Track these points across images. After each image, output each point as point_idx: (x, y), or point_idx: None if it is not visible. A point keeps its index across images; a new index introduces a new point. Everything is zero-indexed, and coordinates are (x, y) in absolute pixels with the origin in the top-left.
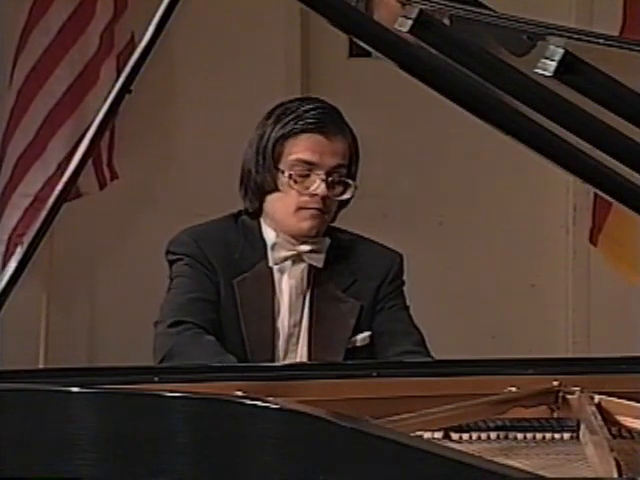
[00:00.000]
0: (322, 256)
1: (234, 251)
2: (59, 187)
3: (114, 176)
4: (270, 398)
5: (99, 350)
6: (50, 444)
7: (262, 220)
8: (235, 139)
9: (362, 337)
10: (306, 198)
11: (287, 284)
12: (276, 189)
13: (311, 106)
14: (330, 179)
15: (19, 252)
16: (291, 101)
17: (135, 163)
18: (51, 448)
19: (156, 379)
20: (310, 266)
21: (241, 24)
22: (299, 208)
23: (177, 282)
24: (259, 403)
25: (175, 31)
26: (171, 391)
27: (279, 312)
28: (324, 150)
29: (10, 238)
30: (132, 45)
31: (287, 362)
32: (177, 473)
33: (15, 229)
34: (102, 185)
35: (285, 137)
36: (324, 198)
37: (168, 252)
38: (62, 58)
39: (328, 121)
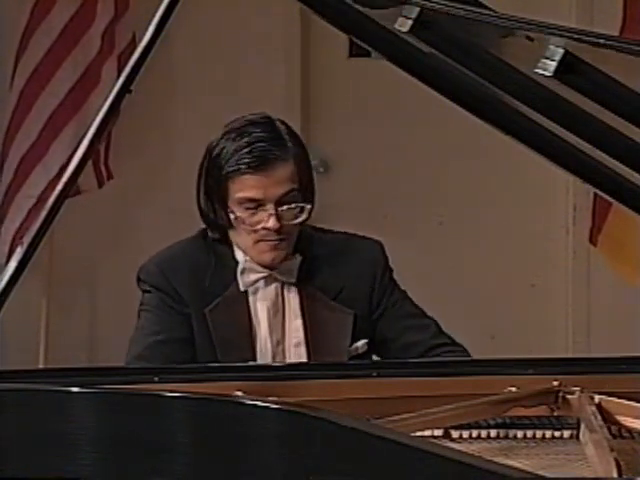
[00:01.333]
0: (294, 272)
1: (204, 277)
2: (59, 187)
3: (109, 176)
4: (270, 398)
5: (99, 350)
6: (50, 444)
7: (232, 241)
8: None
9: (359, 345)
10: (261, 232)
11: (263, 305)
12: (231, 225)
13: (245, 140)
14: (281, 209)
15: (19, 252)
16: (227, 132)
17: (135, 163)
18: (51, 448)
19: (156, 379)
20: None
21: (241, 24)
22: (257, 241)
23: (143, 319)
24: (259, 403)
25: (175, 31)
26: (171, 391)
27: (257, 334)
28: (267, 184)
29: (14, 239)
30: (133, 45)
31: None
32: (177, 473)
33: (18, 230)
34: (101, 183)
35: (226, 179)
36: (278, 229)
37: (138, 279)
38: (64, 59)
39: (267, 154)
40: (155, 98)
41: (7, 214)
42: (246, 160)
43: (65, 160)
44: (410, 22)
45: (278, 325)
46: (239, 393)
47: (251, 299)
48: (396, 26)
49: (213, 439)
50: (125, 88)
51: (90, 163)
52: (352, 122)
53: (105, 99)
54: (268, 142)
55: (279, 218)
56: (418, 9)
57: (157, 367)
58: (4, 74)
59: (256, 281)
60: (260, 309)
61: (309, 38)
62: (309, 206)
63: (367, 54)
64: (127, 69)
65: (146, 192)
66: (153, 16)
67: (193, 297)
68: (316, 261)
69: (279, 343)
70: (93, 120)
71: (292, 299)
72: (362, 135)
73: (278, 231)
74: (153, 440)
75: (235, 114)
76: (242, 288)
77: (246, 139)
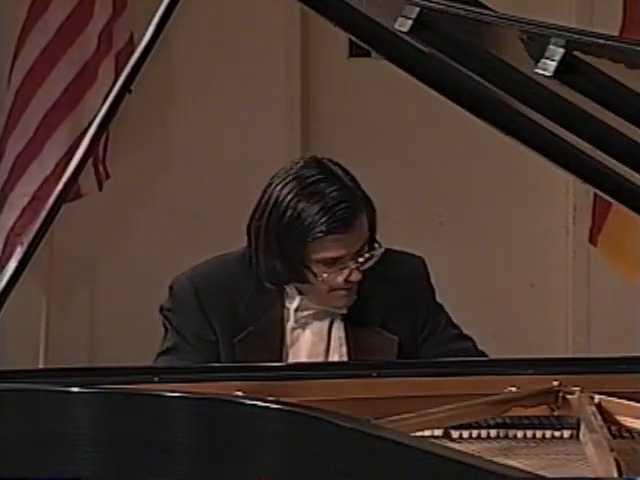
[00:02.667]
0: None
1: (240, 302)
2: (59, 187)
3: (107, 176)
4: (270, 398)
5: (99, 350)
6: (50, 444)
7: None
8: (234, 139)
9: None
10: (340, 281)
11: (307, 335)
12: (308, 281)
13: (322, 203)
14: (361, 260)
15: (19, 252)
16: (296, 195)
17: (134, 163)
18: (51, 448)
19: (156, 379)
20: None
21: (241, 24)
22: (332, 290)
23: (167, 347)
24: (259, 403)
25: (175, 31)
26: (171, 391)
27: (295, 361)
28: (350, 241)
29: (8, 237)
30: (131, 45)
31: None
32: (177, 473)
33: (13, 228)
34: (101, 185)
35: (306, 243)
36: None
37: (170, 288)
38: (60, 58)
39: (347, 214)
40: (155, 98)
41: (1, 212)
42: (328, 227)
43: (60, 159)
44: (410, 22)
45: (320, 355)
46: (239, 393)
47: (289, 327)
48: (396, 26)
49: (213, 439)
50: (125, 88)
51: (90, 165)
52: (352, 122)
53: (105, 99)
54: (344, 201)
55: (359, 269)
56: (418, 9)
57: (157, 367)
58: (1, 73)
59: (309, 315)
60: (304, 339)
61: (309, 38)
62: (382, 250)
63: (367, 54)
64: (127, 69)
65: (145, 192)
66: (153, 16)
67: (224, 324)
68: (358, 285)
69: None
70: (93, 120)
71: (337, 328)
72: (362, 135)
73: (358, 280)
74: (153, 440)
75: (235, 113)
76: (293, 324)
77: (322, 203)
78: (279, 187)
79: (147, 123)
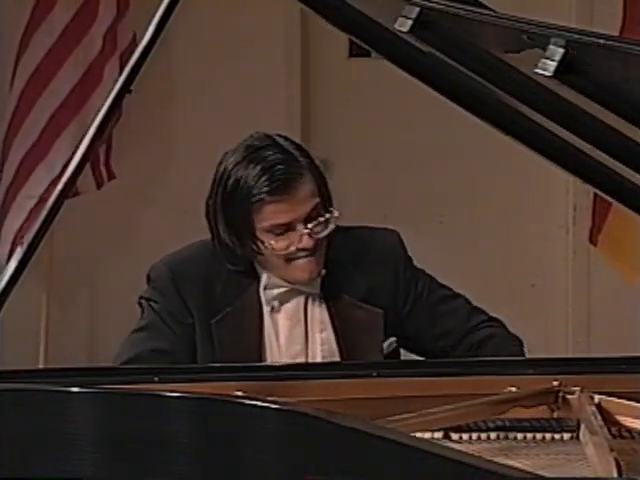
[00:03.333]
0: (318, 283)
1: (216, 284)
2: (59, 187)
3: (111, 176)
4: (270, 398)
5: (99, 350)
6: (50, 444)
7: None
8: (234, 139)
9: (388, 343)
10: (293, 250)
11: (283, 318)
12: (261, 255)
13: (260, 167)
14: (311, 225)
15: (19, 252)
16: (237, 163)
17: (135, 163)
18: (51, 448)
19: (156, 379)
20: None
21: (241, 24)
22: (290, 260)
23: (142, 325)
24: (259, 403)
25: (175, 31)
26: (171, 391)
27: (272, 347)
28: (293, 206)
29: (15, 239)
30: (134, 45)
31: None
32: (177, 473)
33: (20, 230)
34: (99, 184)
35: (250, 211)
36: (312, 245)
37: (148, 278)
38: (66, 59)
39: (286, 176)
40: (155, 98)
41: (8, 214)
42: (267, 189)
43: (67, 160)
44: (410, 22)
45: (299, 337)
46: (239, 393)
47: (266, 310)
48: (396, 26)
49: (213, 439)
50: (125, 88)
51: (89, 164)
52: (352, 122)
53: (105, 99)
54: (283, 163)
55: (311, 235)
56: (418, 9)
57: (157, 367)
58: (4, 74)
59: (279, 295)
60: (281, 322)
61: (309, 38)
62: (336, 214)
63: (367, 54)
64: (127, 69)
65: (146, 192)
66: (153, 16)
67: (200, 305)
68: (336, 263)
69: (298, 355)
70: (93, 120)
71: (316, 310)
72: (362, 135)
73: (312, 248)
74: (153, 440)
75: (235, 113)
76: (265, 304)
77: (260, 165)
78: (225, 161)
79: (147, 123)
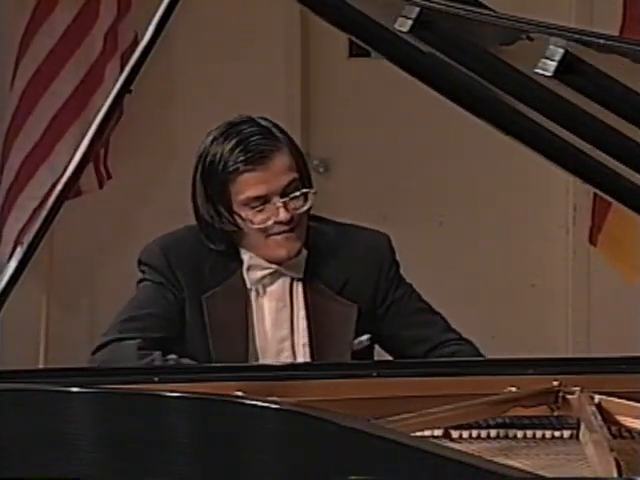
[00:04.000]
0: (302, 266)
1: (204, 265)
2: (59, 187)
3: (108, 176)
4: (270, 398)
5: None
6: (50, 444)
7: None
8: None
9: (362, 339)
10: (272, 227)
11: (269, 301)
12: (239, 228)
13: (235, 140)
14: (287, 199)
15: (19, 252)
16: (214, 139)
17: (135, 163)
18: (51, 448)
19: (156, 379)
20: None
21: (241, 24)
22: (268, 237)
23: (136, 298)
24: (259, 403)
25: (175, 31)
26: (171, 391)
27: (259, 330)
28: (269, 178)
29: (17, 240)
30: (135, 45)
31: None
32: (177, 473)
33: (22, 231)
34: (101, 183)
35: (225, 183)
36: (289, 220)
37: (139, 261)
38: (67, 60)
39: (261, 147)
40: (155, 98)
41: (9, 215)
42: (242, 158)
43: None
44: (410, 22)
45: (285, 322)
46: (239, 393)
47: (253, 295)
48: (396, 26)
49: (213, 439)
50: (125, 88)
51: (90, 163)
52: (352, 122)
53: (105, 99)
54: (258, 136)
55: (288, 209)
56: (418, 9)
57: (157, 367)
58: (5, 76)
59: (263, 277)
60: (267, 305)
61: (309, 38)
62: (313, 191)
63: (367, 54)
64: (127, 69)
65: (146, 192)
66: (153, 16)
67: (190, 283)
68: (320, 254)
69: (284, 340)
70: (93, 120)
71: (300, 294)
72: (362, 135)
73: (289, 222)
74: (153, 440)
75: (235, 113)
76: (249, 285)
77: (236, 138)
78: (206, 139)
79: (147, 123)
